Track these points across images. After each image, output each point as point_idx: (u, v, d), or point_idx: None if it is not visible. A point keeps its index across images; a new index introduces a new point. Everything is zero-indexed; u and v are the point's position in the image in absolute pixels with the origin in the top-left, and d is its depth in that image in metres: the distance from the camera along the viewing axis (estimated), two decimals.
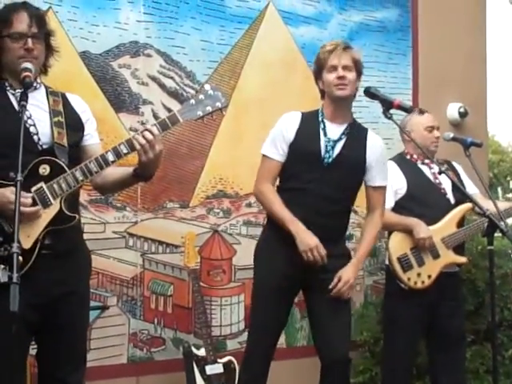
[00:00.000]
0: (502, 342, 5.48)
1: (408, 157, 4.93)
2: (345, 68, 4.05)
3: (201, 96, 3.24)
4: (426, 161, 4.87)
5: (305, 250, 3.91)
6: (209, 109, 3.24)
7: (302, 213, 3.99)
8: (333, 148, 4.06)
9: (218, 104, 3.25)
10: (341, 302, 4.07)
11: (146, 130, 3.15)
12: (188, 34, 5.45)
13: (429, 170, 4.87)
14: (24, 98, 2.95)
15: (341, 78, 4.02)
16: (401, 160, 4.90)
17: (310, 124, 4.12)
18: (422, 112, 4.93)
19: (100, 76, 5.07)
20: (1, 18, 3.20)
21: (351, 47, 4.17)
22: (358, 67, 4.12)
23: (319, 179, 4.03)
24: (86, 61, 5.00)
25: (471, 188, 4.94)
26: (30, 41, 3.18)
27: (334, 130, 4.10)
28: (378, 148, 4.23)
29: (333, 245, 4.03)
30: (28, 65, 3.09)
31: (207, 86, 3.28)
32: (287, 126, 4.11)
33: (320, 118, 4.12)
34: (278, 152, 4.10)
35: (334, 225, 4.13)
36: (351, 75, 4.06)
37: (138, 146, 3.13)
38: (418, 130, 4.83)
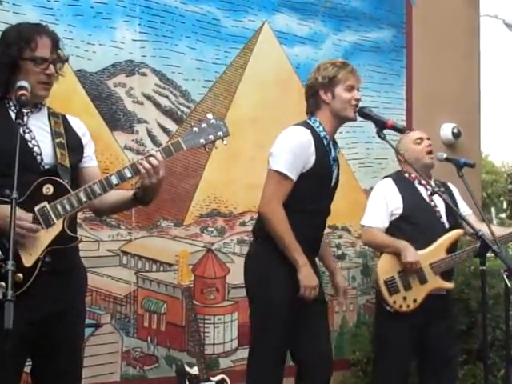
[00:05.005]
0: (494, 361, 5.46)
1: (406, 175, 4.87)
2: (358, 90, 4.10)
3: (204, 125, 3.29)
4: (423, 181, 4.80)
5: (308, 286, 3.89)
6: (211, 137, 3.30)
7: (313, 233, 4.04)
8: (334, 167, 4.12)
9: (220, 133, 3.31)
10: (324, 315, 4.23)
11: (151, 155, 3.18)
12: (183, 53, 5.48)
13: (425, 191, 4.81)
14: (20, 116, 2.92)
15: (358, 100, 4.05)
16: (398, 178, 4.86)
17: (318, 141, 4.01)
18: (408, 132, 4.79)
19: (95, 94, 5.09)
20: (24, 39, 3.16)
21: None
22: None
23: (327, 198, 4.12)
24: (82, 79, 5.02)
25: (465, 209, 4.91)
26: (52, 67, 3.20)
27: (332, 148, 4.10)
28: None
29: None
30: (24, 83, 3.05)
31: (210, 115, 3.32)
32: (309, 146, 3.96)
33: (322, 135, 4.04)
34: (296, 172, 3.95)
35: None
36: None
37: (142, 170, 3.16)
38: (409, 147, 4.79)
